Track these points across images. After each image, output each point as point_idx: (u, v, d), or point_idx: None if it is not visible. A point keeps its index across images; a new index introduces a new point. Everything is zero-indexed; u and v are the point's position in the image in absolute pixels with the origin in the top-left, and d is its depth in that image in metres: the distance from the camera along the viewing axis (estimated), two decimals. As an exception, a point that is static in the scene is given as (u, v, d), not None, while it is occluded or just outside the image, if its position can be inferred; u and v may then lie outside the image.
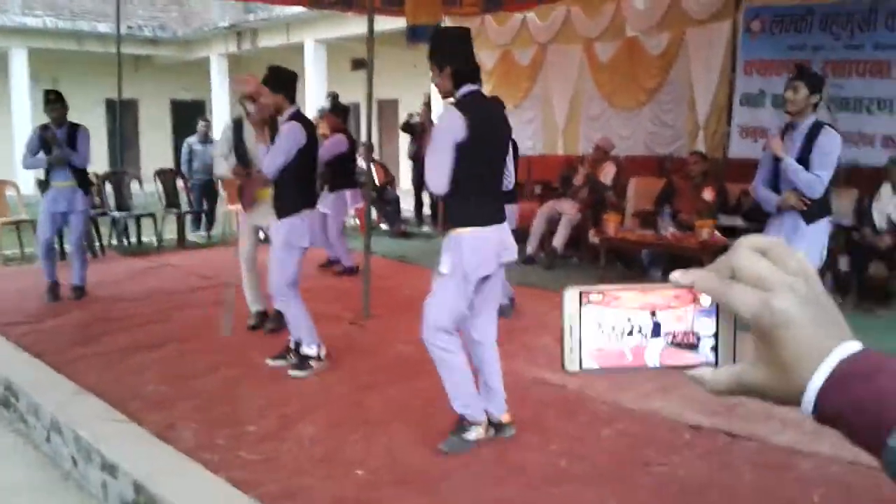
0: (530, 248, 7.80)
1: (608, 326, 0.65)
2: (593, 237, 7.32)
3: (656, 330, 0.65)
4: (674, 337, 0.65)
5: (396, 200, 10.52)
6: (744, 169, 7.27)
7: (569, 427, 3.57)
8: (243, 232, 5.49)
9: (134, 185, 9.81)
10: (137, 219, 9.25)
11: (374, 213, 8.64)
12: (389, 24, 9.05)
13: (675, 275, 0.63)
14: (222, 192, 10.27)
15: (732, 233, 6.34)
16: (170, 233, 9.65)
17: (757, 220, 5.96)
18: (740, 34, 7.78)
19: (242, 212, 5.43)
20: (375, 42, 5.76)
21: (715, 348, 0.65)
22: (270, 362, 4.59)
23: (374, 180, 8.86)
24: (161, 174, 9.97)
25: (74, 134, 6.48)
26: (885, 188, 6.07)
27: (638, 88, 8.79)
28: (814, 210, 4.14)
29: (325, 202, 7.03)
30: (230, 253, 8.87)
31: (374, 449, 3.32)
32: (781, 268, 0.59)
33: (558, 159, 9.28)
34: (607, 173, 8.05)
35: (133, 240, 9.41)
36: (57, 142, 6.34)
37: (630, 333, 0.65)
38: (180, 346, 4.98)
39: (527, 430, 3.51)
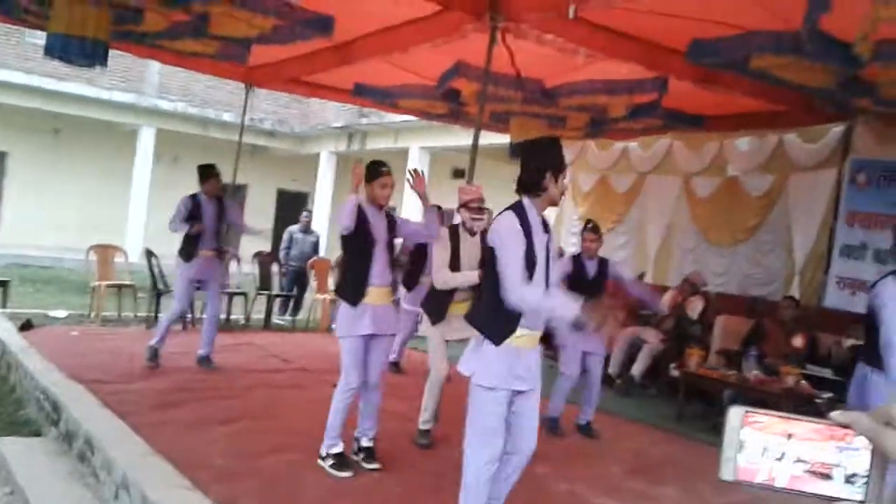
0: (611, 369, 7.69)
1: (753, 445, 0.74)
2: (674, 370, 7.17)
3: (791, 456, 0.74)
4: (811, 466, 0.73)
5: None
6: (838, 320, 7.06)
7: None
8: (438, 350, 5.01)
9: (232, 264, 10.25)
10: (230, 296, 9.57)
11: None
12: (492, 138, 9.38)
13: (835, 413, 0.73)
14: (312, 281, 10.64)
15: (819, 383, 6.11)
16: (258, 313, 9.98)
17: (848, 373, 5.72)
18: (845, 184, 7.69)
19: (432, 325, 4.97)
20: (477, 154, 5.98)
21: (851, 480, 0.72)
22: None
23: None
24: (259, 256, 10.41)
25: (223, 206, 6.90)
26: None
27: (736, 227, 8.72)
28: None
29: (408, 299, 6.91)
30: (311, 339, 9.11)
31: (426, 553, 3.28)
32: None
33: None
34: (695, 307, 7.94)
35: (223, 316, 9.73)
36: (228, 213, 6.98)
37: (771, 456, 0.74)
38: (251, 424, 5.08)
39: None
